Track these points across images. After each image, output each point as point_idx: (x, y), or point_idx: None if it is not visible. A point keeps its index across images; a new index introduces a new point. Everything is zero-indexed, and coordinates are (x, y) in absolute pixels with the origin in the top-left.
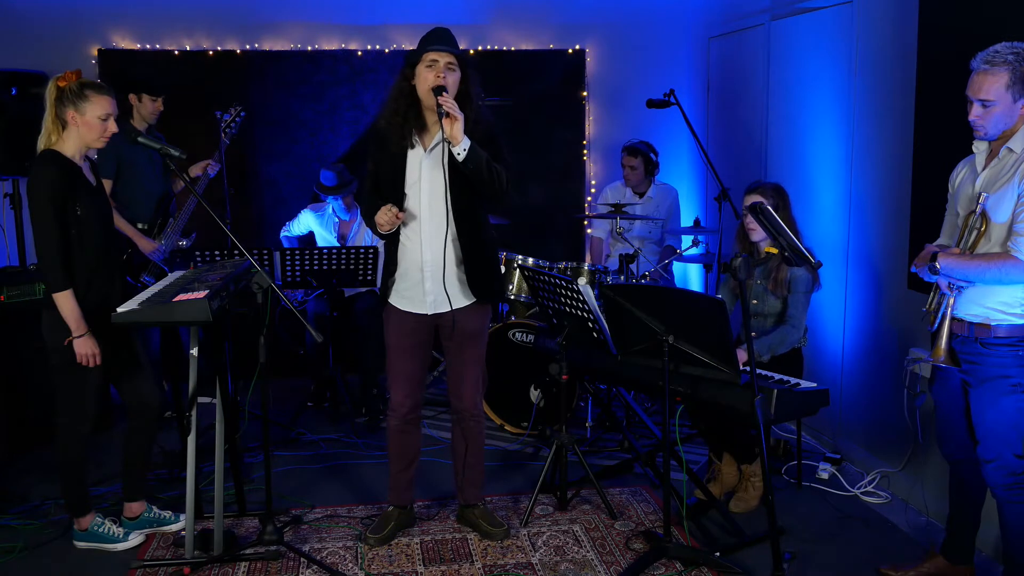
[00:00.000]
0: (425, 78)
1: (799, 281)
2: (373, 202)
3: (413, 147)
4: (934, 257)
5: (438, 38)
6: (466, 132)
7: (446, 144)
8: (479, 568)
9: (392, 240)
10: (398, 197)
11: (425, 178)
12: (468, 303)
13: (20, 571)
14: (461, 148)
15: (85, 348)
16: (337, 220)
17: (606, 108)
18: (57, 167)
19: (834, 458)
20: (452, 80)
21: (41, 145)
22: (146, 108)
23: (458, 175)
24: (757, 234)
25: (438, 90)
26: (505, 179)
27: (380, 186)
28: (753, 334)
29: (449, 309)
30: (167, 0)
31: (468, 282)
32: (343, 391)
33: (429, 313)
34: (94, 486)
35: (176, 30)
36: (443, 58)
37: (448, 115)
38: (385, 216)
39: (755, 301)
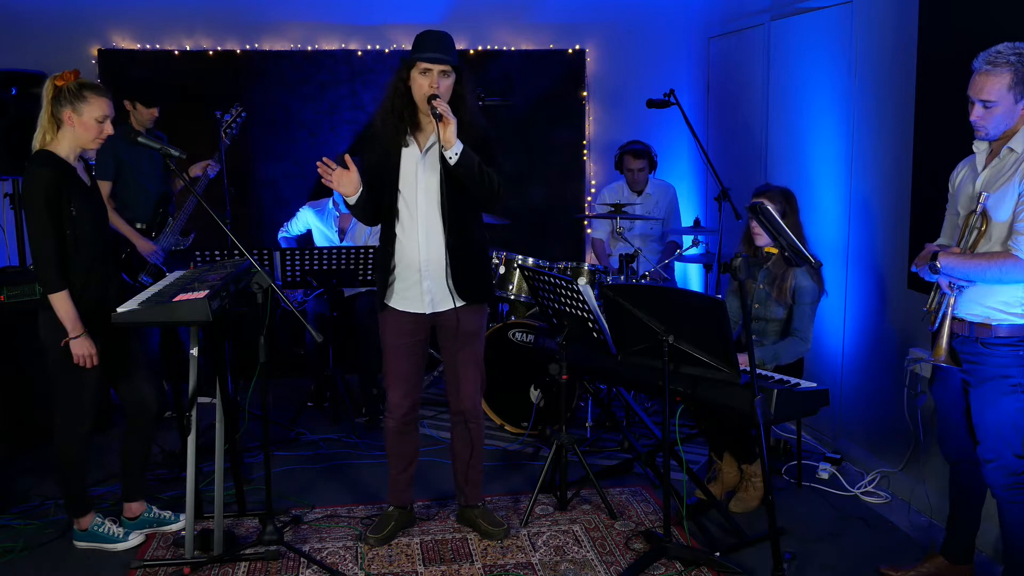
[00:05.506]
0: (420, 85)
1: (805, 292)
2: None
3: (408, 146)
4: (934, 256)
5: (433, 45)
6: (460, 135)
7: (440, 146)
8: (479, 568)
9: (388, 240)
10: (393, 194)
11: (421, 178)
12: (465, 303)
13: (20, 571)
14: (453, 152)
15: (82, 349)
16: (337, 214)
17: (606, 108)
18: (51, 168)
19: (834, 458)
20: (446, 85)
21: (36, 145)
22: (141, 115)
23: (453, 177)
24: (763, 239)
25: (432, 97)
26: (497, 183)
27: (372, 183)
28: (753, 336)
29: (446, 308)
30: (167, 0)
31: (463, 283)
32: (343, 391)
33: (427, 312)
34: (94, 486)
35: (176, 30)
36: (437, 66)
37: (442, 118)
38: (335, 177)
39: (757, 305)
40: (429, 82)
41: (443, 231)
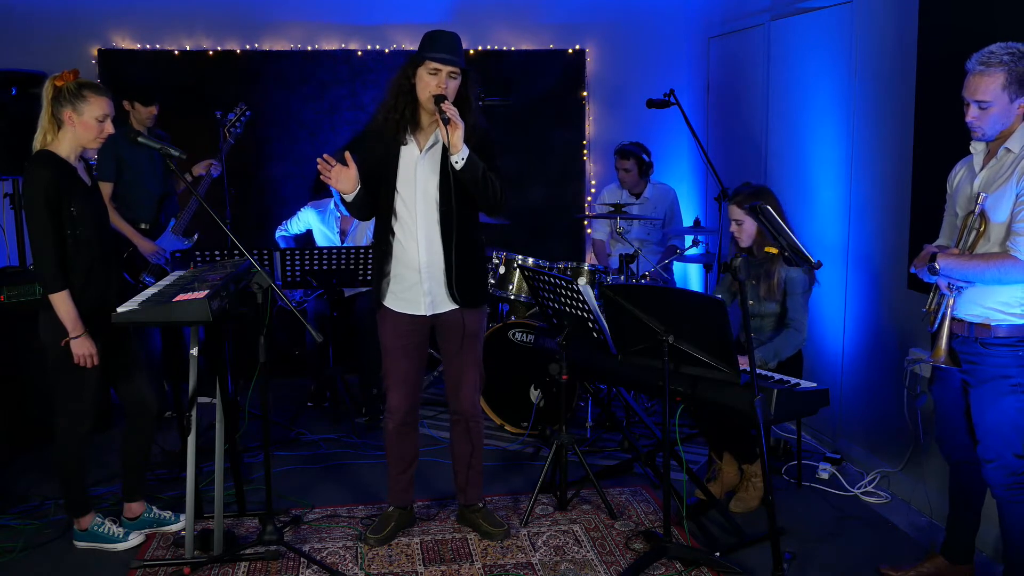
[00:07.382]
0: (427, 84)
1: (795, 283)
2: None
3: (406, 144)
4: (933, 257)
5: (444, 46)
6: (464, 139)
7: (442, 149)
8: (479, 568)
9: (384, 240)
10: (390, 193)
11: (420, 179)
12: (464, 305)
13: (20, 571)
14: (460, 157)
15: (82, 349)
16: (339, 215)
17: (606, 108)
18: (51, 168)
19: (834, 458)
20: (453, 87)
21: (37, 145)
22: (141, 114)
23: (453, 179)
24: (744, 240)
25: (440, 98)
26: (500, 189)
27: (368, 179)
28: (753, 335)
29: (446, 310)
30: (167, 0)
31: (463, 285)
32: (343, 391)
33: (427, 314)
34: (94, 486)
35: (176, 30)
36: (447, 67)
37: (450, 122)
38: (334, 173)
39: (752, 302)
40: (437, 83)
41: (442, 232)
